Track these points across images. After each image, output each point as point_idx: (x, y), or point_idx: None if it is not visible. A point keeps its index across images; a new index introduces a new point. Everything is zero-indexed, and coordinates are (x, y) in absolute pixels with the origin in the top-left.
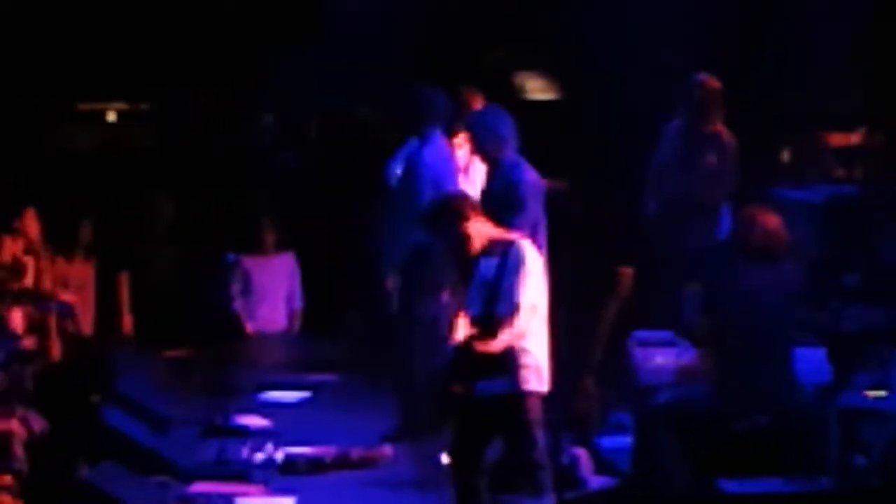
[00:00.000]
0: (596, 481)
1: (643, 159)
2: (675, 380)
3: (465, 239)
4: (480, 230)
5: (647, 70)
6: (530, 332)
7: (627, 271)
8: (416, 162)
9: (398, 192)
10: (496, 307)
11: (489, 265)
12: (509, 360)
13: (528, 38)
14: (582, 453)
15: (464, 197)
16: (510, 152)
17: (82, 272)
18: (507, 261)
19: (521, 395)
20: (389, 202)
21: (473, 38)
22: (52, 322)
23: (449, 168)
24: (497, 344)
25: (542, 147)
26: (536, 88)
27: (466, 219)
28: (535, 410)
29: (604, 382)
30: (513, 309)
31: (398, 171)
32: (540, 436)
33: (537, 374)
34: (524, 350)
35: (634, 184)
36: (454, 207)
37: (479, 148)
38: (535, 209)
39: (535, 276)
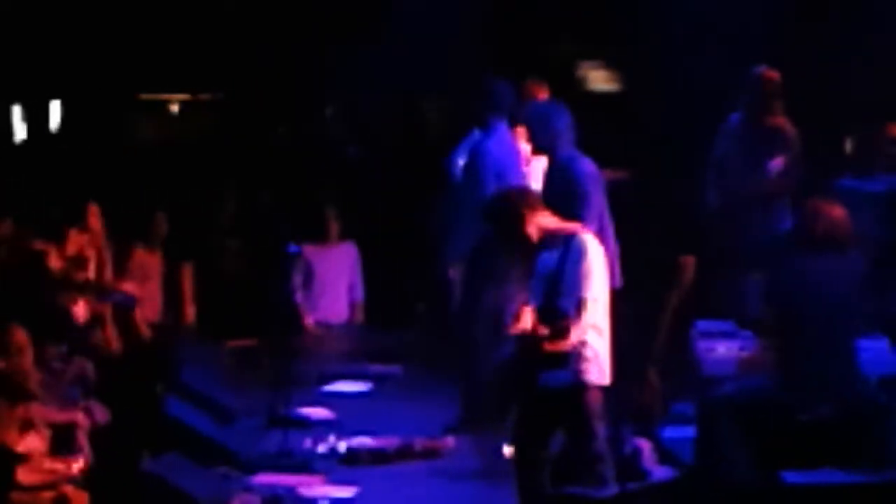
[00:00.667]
0: (659, 472)
1: (705, 150)
2: (738, 370)
3: (525, 232)
4: (540, 223)
5: (710, 61)
6: (592, 325)
7: (689, 262)
8: (480, 153)
9: (462, 183)
10: (558, 300)
11: (551, 257)
12: (572, 353)
13: (592, 29)
14: (645, 444)
15: (524, 190)
16: (565, 146)
17: (151, 263)
18: (568, 253)
19: (582, 388)
20: (453, 193)
21: (538, 30)
22: (116, 313)
23: (513, 159)
24: (566, 345)
25: (604, 138)
26: (599, 80)
27: (526, 212)
28: (596, 403)
29: (666, 373)
30: (576, 302)
31: (462, 162)
32: (600, 428)
33: (598, 366)
34: (585, 343)
35: (696, 175)
36: (513, 201)
37: (532, 141)
38: (599, 200)
39: (598, 269)
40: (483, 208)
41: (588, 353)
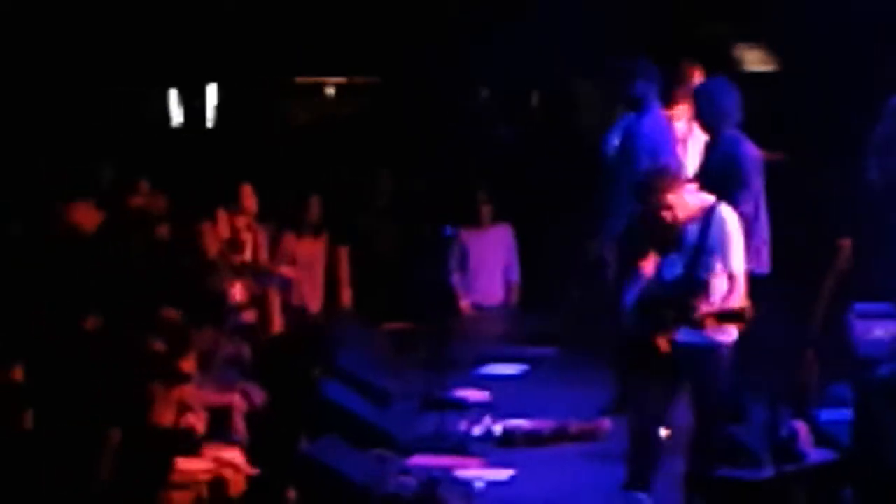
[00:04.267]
0: (815, 454)
1: (862, 131)
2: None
3: (668, 210)
4: (682, 201)
5: (869, 41)
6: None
7: (847, 243)
8: (633, 133)
9: (616, 163)
10: (697, 271)
11: (692, 230)
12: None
13: (747, 10)
14: (801, 426)
15: (665, 168)
16: (731, 126)
17: (311, 248)
18: (709, 225)
19: (713, 347)
20: (607, 173)
21: (693, 11)
22: (272, 296)
23: (666, 139)
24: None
25: (761, 119)
26: (755, 60)
27: (668, 190)
28: (726, 360)
29: (823, 355)
30: (729, 272)
31: (616, 142)
32: (726, 385)
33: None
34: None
35: (855, 156)
36: (655, 179)
37: (700, 119)
38: (757, 183)
39: (736, 240)
40: (634, 185)
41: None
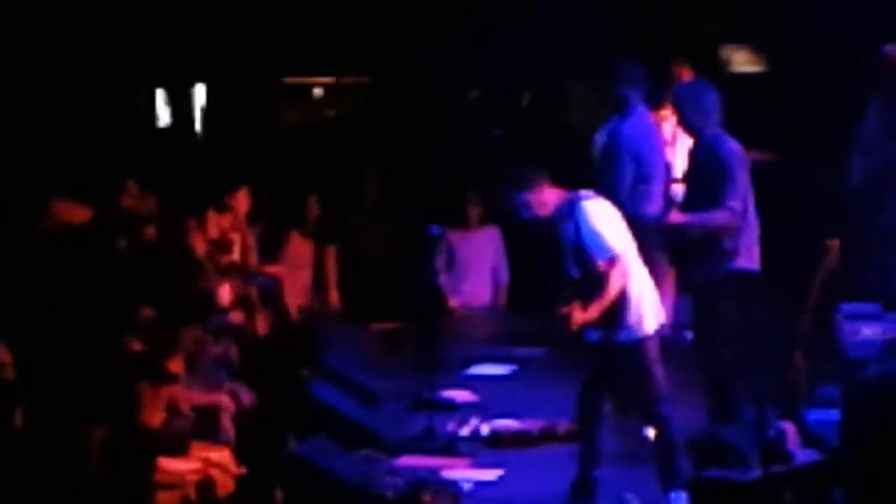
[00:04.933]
0: (803, 455)
1: (849, 131)
2: (883, 353)
3: (527, 207)
4: (540, 199)
5: (856, 41)
6: (632, 277)
7: (834, 243)
8: (615, 134)
9: (599, 165)
10: (589, 266)
11: (567, 230)
12: (617, 314)
13: (736, 10)
14: (789, 427)
15: (526, 165)
16: (712, 125)
17: (304, 248)
18: (577, 222)
19: (638, 342)
20: (593, 174)
21: (682, 11)
22: (259, 296)
23: (650, 141)
24: (603, 303)
25: (748, 119)
26: (743, 61)
27: (525, 189)
28: (655, 350)
29: (811, 356)
30: (604, 258)
31: (601, 143)
32: (658, 371)
33: (645, 317)
34: (626, 300)
35: (840, 156)
36: (517, 177)
37: (682, 119)
38: (744, 180)
39: (608, 223)
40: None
41: (633, 309)
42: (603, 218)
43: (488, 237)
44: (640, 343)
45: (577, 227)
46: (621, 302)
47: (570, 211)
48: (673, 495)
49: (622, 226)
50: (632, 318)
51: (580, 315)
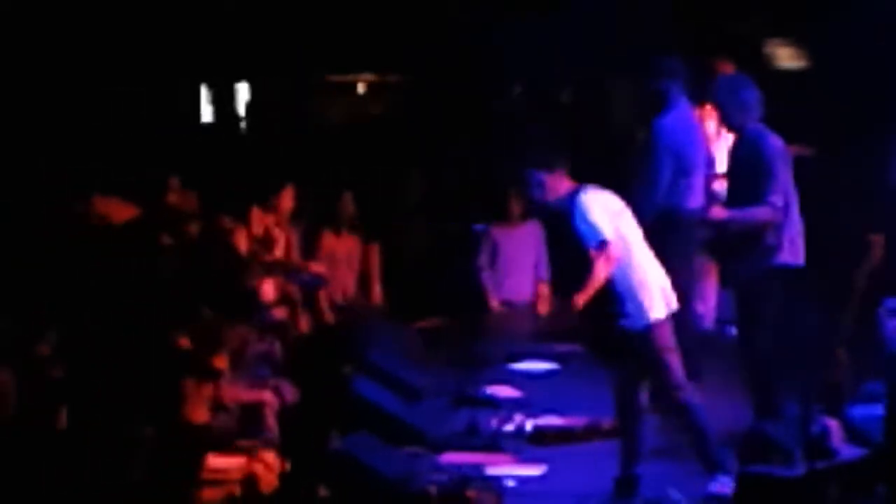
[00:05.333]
0: (847, 451)
1: (891, 127)
2: None
3: (542, 188)
4: (552, 184)
5: None
6: (632, 265)
7: (878, 239)
8: (656, 129)
9: (639, 160)
10: (586, 254)
11: (572, 221)
12: (614, 303)
13: (779, 6)
14: (833, 423)
15: (552, 147)
16: (753, 120)
17: (348, 244)
18: (574, 214)
19: (644, 330)
20: (633, 168)
21: (726, 7)
22: (303, 294)
23: (690, 134)
24: (581, 295)
25: (791, 115)
26: (787, 57)
27: (548, 169)
28: (664, 338)
29: (856, 352)
30: (593, 245)
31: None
32: (673, 359)
33: (648, 304)
34: (621, 288)
35: (882, 152)
36: (540, 155)
37: (723, 115)
38: (785, 176)
39: (604, 212)
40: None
41: (639, 296)
42: (598, 207)
43: (530, 232)
44: (646, 330)
45: (574, 217)
46: (615, 290)
47: (571, 202)
48: (717, 480)
49: (626, 215)
50: (630, 306)
51: (577, 300)
